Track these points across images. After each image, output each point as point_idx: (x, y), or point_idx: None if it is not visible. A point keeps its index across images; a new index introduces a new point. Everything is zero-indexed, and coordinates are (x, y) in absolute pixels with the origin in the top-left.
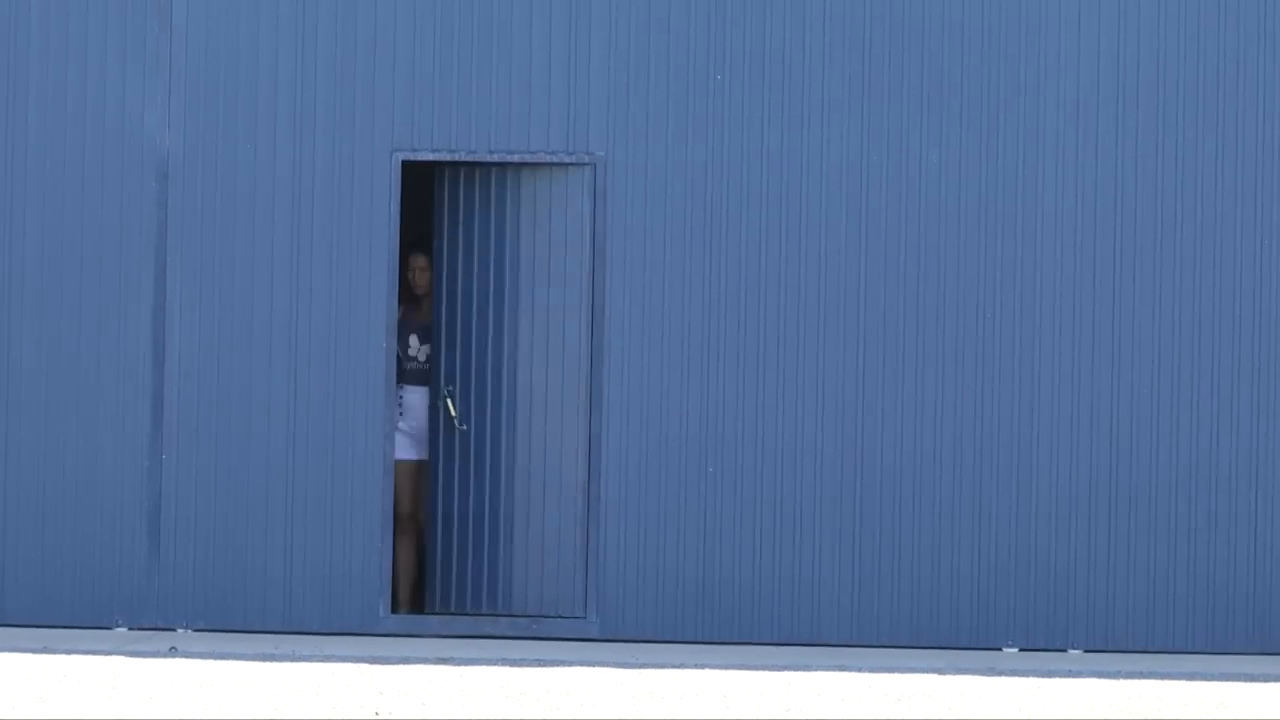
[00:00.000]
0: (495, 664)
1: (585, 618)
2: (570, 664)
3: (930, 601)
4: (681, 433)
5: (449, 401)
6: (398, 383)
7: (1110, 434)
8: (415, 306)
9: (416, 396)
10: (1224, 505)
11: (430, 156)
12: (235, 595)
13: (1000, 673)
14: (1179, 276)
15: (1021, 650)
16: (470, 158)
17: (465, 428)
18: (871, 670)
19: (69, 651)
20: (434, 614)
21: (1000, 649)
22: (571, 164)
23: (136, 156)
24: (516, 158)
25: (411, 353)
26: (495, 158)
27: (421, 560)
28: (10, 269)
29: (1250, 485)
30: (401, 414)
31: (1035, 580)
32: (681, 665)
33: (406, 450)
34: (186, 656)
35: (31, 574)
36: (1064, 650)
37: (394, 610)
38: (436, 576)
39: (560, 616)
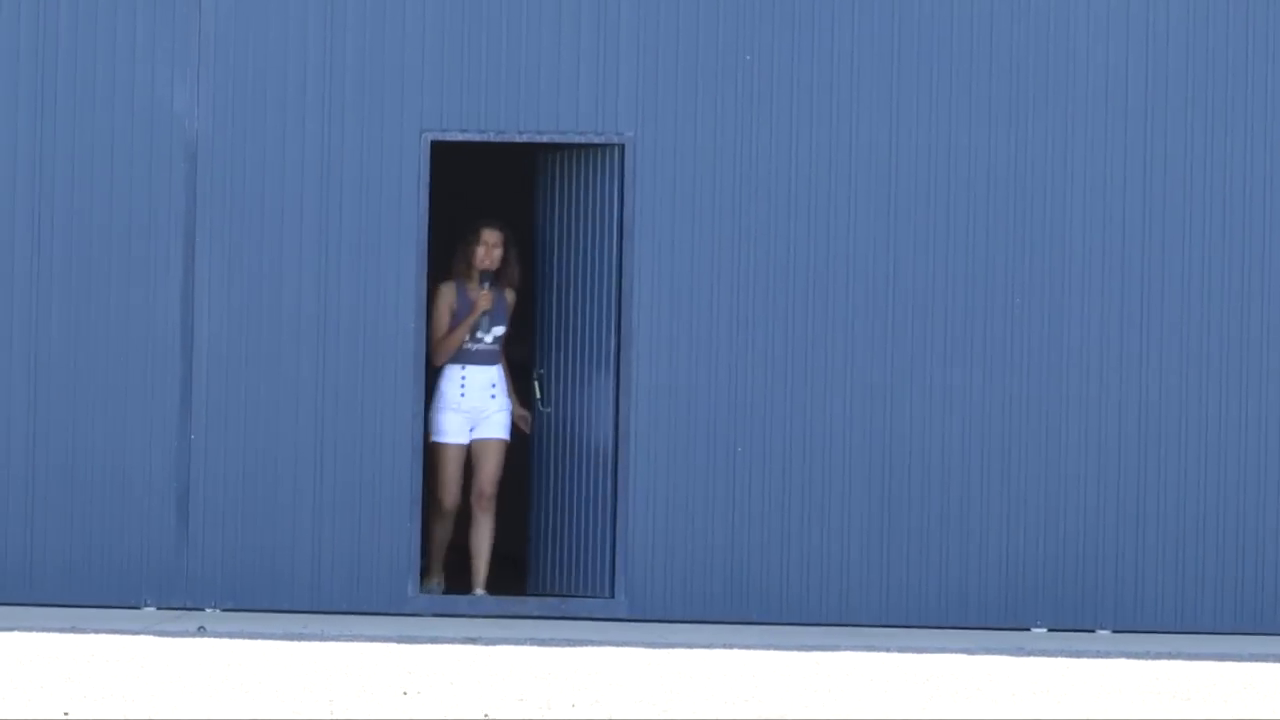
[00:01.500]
0: (523, 644)
1: (613, 598)
2: (598, 644)
3: (959, 582)
4: (710, 413)
5: (537, 384)
6: (459, 363)
7: (1139, 415)
8: (488, 284)
9: (481, 376)
10: (1251, 487)
11: (459, 137)
12: (264, 575)
13: (1029, 653)
14: (1208, 263)
15: (1050, 630)
16: (499, 138)
17: (549, 409)
18: (900, 650)
19: (97, 631)
20: (463, 594)
21: (1029, 629)
22: (601, 144)
23: (166, 138)
24: (546, 138)
25: (479, 333)
26: (524, 138)
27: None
28: (40, 250)
29: (1278, 463)
30: (464, 394)
31: (1064, 561)
32: (710, 645)
33: (458, 434)
34: (215, 636)
35: (61, 554)
36: (1093, 631)
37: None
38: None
39: (589, 596)
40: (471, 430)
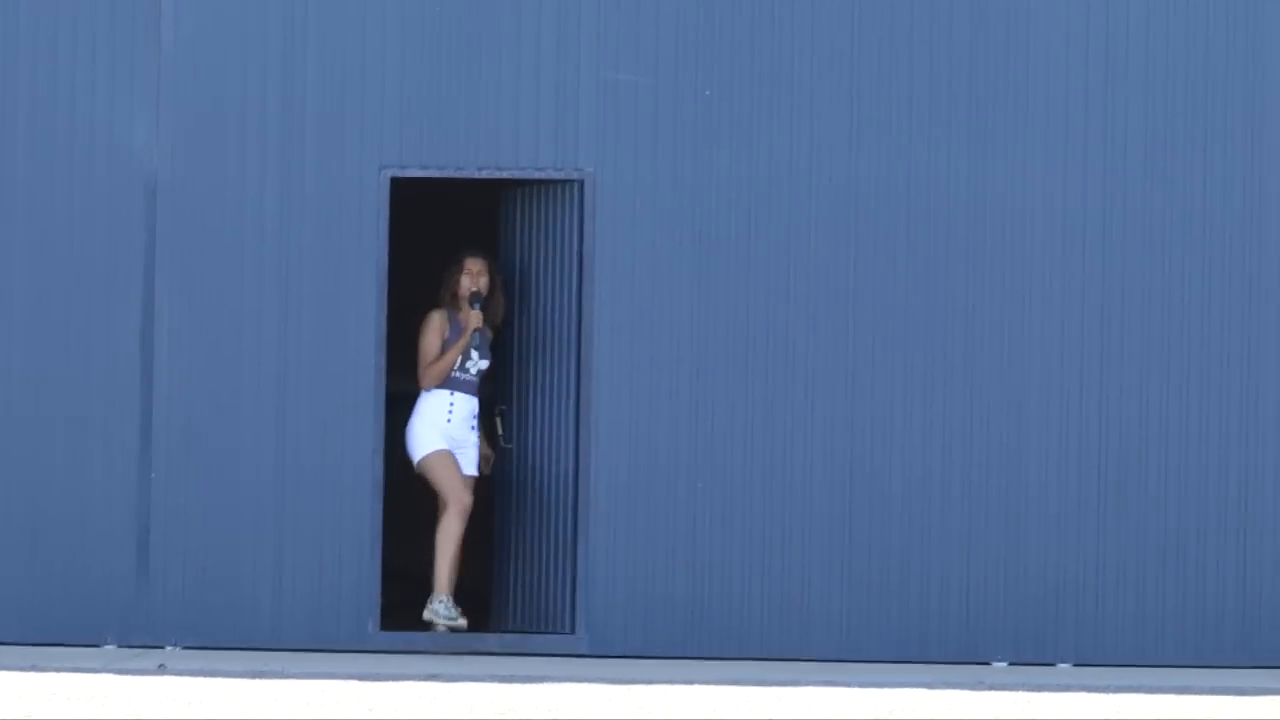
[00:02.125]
0: (485, 680)
1: (574, 633)
2: (559, 680)
3: (920, 616)
4: (671, 448)
5: (500, 420)
6: (449, 389)
7: (1099, 448)
8: (478, 305)
9: (466, 406)
10: (1213, 519)
11: (419, 173)
12: (225, 612)
13: (989, 687)
14: (1168, 289)
15: (1010, 664)
16: (459, 174)
17: (510, 446)
18: (860, 685)
19: (58, 669)
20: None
21: (989, 663)
22: (560, 180)
23: (125, 175)
24: (505, 174)
25: (469, 364)
26: (484, 174)
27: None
28: (0, 285)
29: (1240, 499)
30: (449, 419)
31: (1024, 594)
32: (670, 681)
33: (447, 445)
34: (176, 674)
35: (20, 592)
36: (1053, 664)
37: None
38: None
39: (550, 632)
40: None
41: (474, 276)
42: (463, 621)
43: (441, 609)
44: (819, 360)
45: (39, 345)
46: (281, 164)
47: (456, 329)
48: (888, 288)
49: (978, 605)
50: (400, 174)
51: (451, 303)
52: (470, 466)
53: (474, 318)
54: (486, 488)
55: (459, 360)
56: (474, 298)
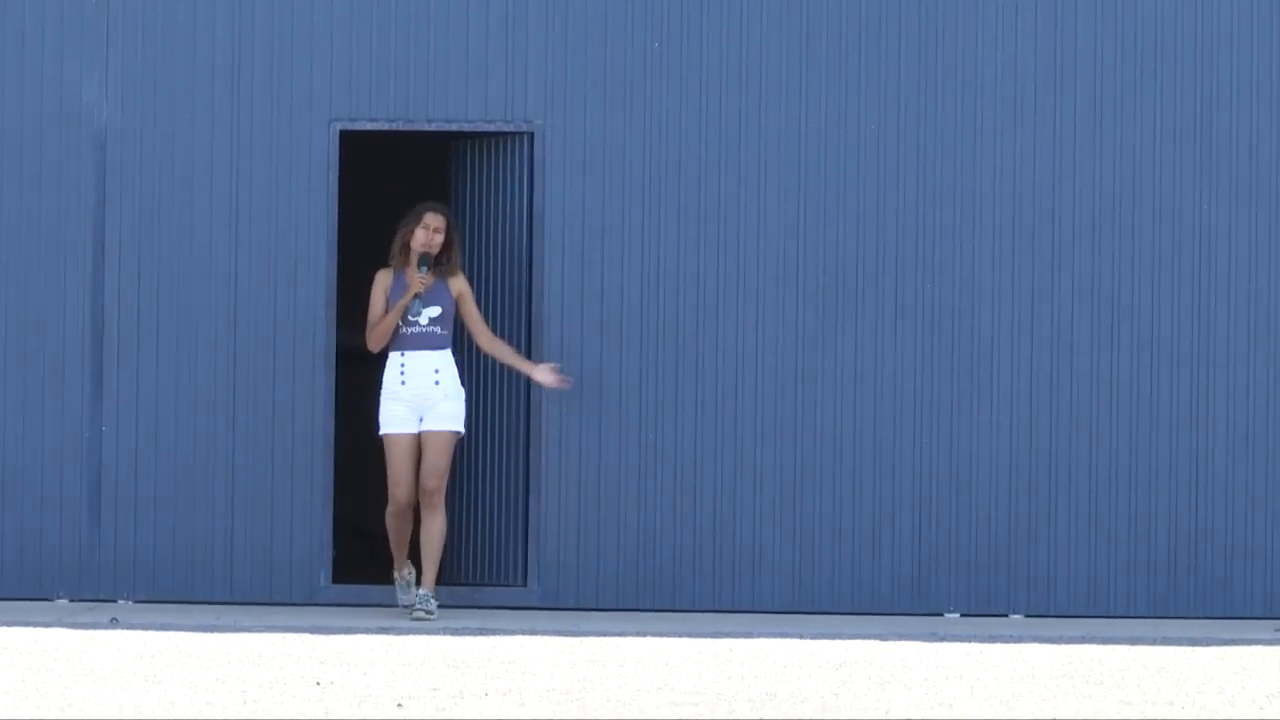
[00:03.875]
0: (437, 633)
1: (526, 586)
2: (511, 633)
3: (871, 567)
4: (620, 401)
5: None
6: (399, 349)
7: (1050, 398)
8: (425, 268)
9: (422, 362)
10: (1163, 469)
11: (369, 126)
12: (177, 567)
13: (942, 638)
14: (1118, 242)
15: (963, 616)
16: (408, 127)
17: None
18: (813, 637)
19: (9, 624)
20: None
21: (942, 614)
22: (510, 132)
23: (74, 130)
24: (455, 127)
25: (411, 316)
26: (434, 127)
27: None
28: None
29: (1190, 449)
30: (404, 381)
31: (976, 545)
32: (623, 633)
33: (403, 423)
34: (128, 628)
35: None
36: (1005, 615)
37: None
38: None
39: (502, 585)
40: (420, 421)
41: (430, 232)
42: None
43: (401, 594)
44: (768, 312)
45: None
46: (231, 117)
47: (402, 286)
48: (836, 238)
49: (929, 556)
50: (350, 127)
51: (402, 255)
52: (444, 421)
53: (417, 281)
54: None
55: (401, 317)
56: (422, 259)
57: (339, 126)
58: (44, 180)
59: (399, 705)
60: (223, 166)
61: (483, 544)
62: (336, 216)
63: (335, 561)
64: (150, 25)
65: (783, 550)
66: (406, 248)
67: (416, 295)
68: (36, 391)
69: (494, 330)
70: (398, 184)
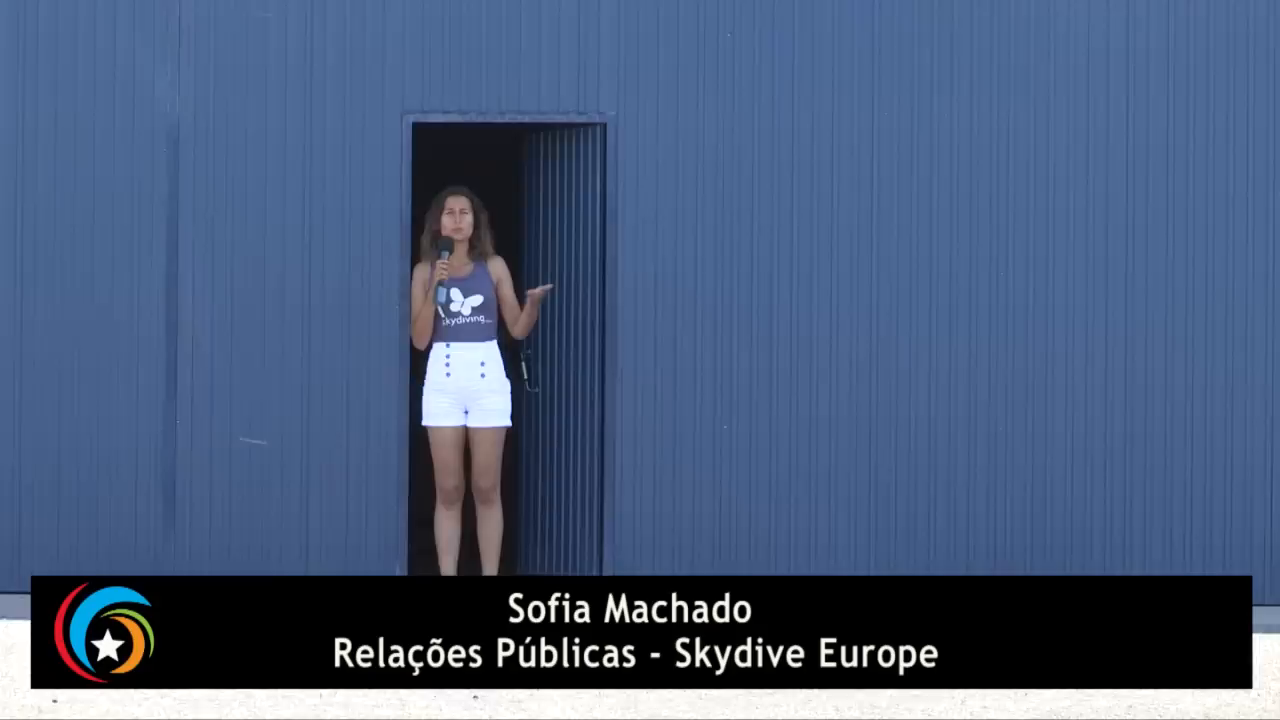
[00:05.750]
0: None
1: (601, 576)
2: None
3: (946, 562)
4: (694, 392)
5: (525, 364)
6: (443, 341)
7: (1124, 395)
8: (446, 254)
9: (468, 354)
10: (1238, 470)
11: (441, 118)
12: (251, 561)
13: None
14: (1191, 234)
15: None
16: (480, 119)
17: (536, 390)
18: None
19: None
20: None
21: None
22: (582, 124)
23: (147, 123)
24: (527, 119)
25: (454, 308)
26: (505, 119)
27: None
28: (24, 236)
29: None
30: (449, 374)
31: (1051, 538)
32: None
33: (448, 415)
34: None
35: (47, 542)
36: None
37: None
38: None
39: (577, 575)
40: (466, 414)
41: (455, 216)
42: None
43: None
44: (842, 303)
45: (64, 295)
46: (304, 110)
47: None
48: (911, 229)
49: (1005, 550)
50: (422, 119)
51: (433, 244)
52: (491, 416)
53: (440, 269)
54: (511, 432)
55: (438, 310)
56: (443, 243)
57: (411, 119)
58: (116, 175)
59: (474, 697)
60: (295, 160)
61: (558, 536)
62: (410, 210)
63: (409, 554)
64: (222, 16)
65: (858, 544)
66: (436, 237)
67: (440, 282)
68: (111, 390)
69: (564, 322)
70: (472, 178)
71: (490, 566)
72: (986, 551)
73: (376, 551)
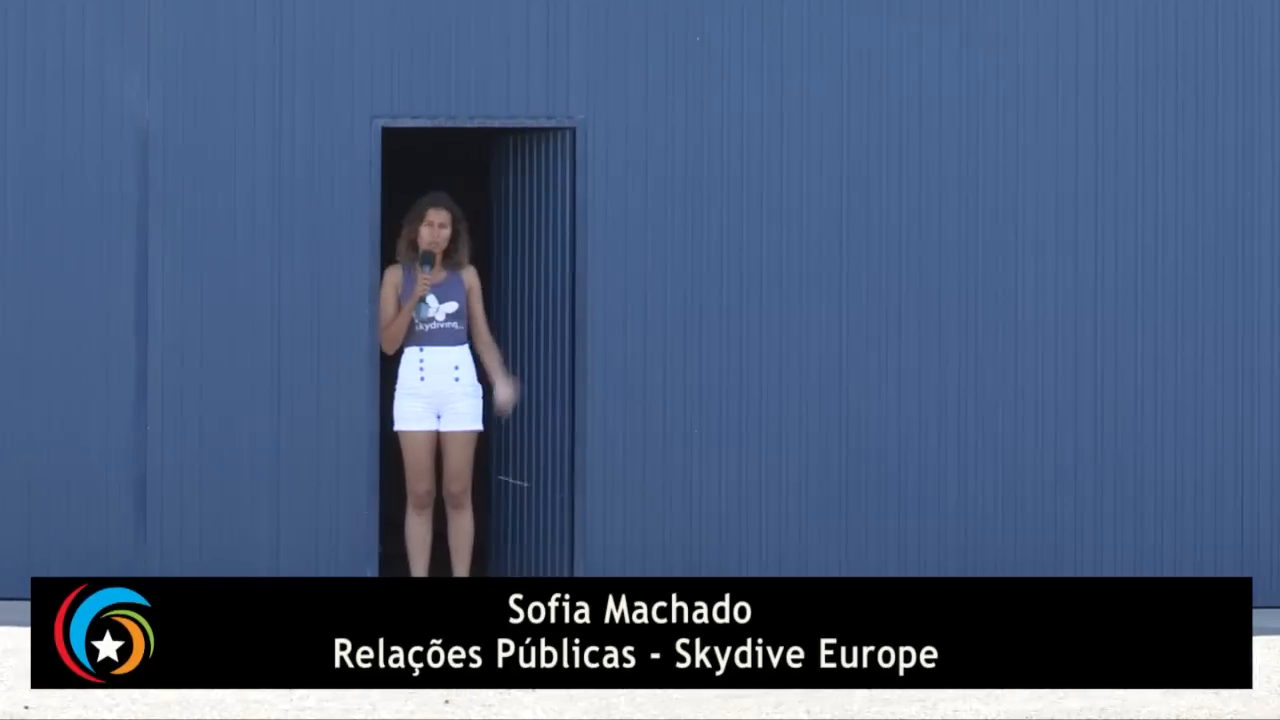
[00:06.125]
0: None
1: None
2: None
3: (918, 566)
4: (665, 395)
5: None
6: (416, 345)
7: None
8: (427, 268)
9: (441, 358)
10: (1208, 469)
11: (410, 123)
12: (223, 565)
13: None
14: (1163, 233)
15: None
16: (450, 124)
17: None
18: None
19: None
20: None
21: None
22: (552, 128)
23: (116, 127)
24: (497, 123)
25: (428, 314)
26: (475, 123)
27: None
28: None
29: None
30: (423, 378)
31: (1020, 546)
32: None
33: (421, 420)
34: None
35: (16, 548)
36: None
37: None
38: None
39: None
40: (439, 418)
41: (435, 229)
42: None
43: None
44: (812, 308)
45: (32, 298)
46: (272, 115)
47: (411, 283)
48: (881, 235)
49: (974, 557)
50: (391, 124)
51: (408, 252)
52: (463, 420)
53: (421, 283)
54: (481, 438)
55: (413, 316)
56: (424, 257)
57: (381, 123)
58: (86, 180)
59: (446, 702)
60: (265, 164)
61: (529, 541)
62: (379, 214)
63: (380, 558)
64: (191, 21)
65: (829, 550)
66: (413, 244)
67: (422, 299)
68: (81, 393)
69: (534, 325)
70: (441, 182)
71: (461, 571)
72: (958, 556)
73: (348, 555)
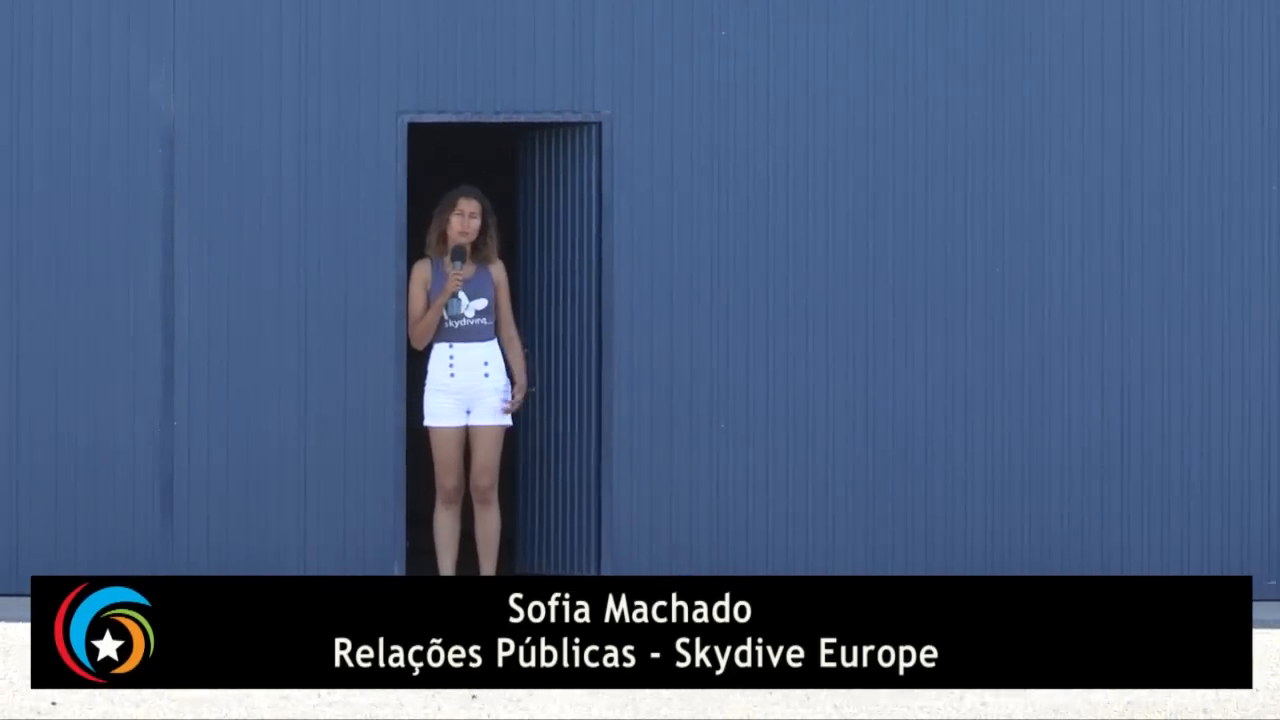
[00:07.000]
0: None
1: (599, 575)
2: None
3: (944, 562)
4: (692, 388)
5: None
6: (446, 341)
7: (1123, 393)
8: (459, 263)
9: (471, 354)
10: (1234, 470)
11: (435, 118)
12: (249, 561)
13: None
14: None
15: None
16: (475, 119)
17: (533, 389)
18: None
19: None
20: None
21: None
22: (577, 123)
23: (142, 123)
24: (522, 118)
25: (460, 310)
26: (500, 118)
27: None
28: (19, 237)
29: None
30: (453, 374)
31: (1049, 537)
32: None
33: (451, 416)
34: None
35: (44, 543)
36: None
37: None
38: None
39: (575, 574)
40: (468, 413)
41: (465, 219)
42: None
43: None
44: (838, 299)
45: (59, 296)
46: (298, 110)
47: (441, 278)
48: (907, 225)
49: (1001, 547)
50: (417, 119)
51: (439, 244)
52: (491, 415)
53: (452, 280)
54: (510, 435)
55: (443, 313)
56: (456, 252)
57: (406, 119)
58: (111, 176)
59: (473, 696)
60: (290, 159)
61: (555, 534)
62: (405, 210)
63: (407, 552)
64: (216, 16)
65: (855, 542)
66: (444, 236)
67: (454, 294)
68: (107, 390)
69: (561, 321)
70: (468, 177)
71: (488, 566)
72: (984, 550)
73: (374, 551)
